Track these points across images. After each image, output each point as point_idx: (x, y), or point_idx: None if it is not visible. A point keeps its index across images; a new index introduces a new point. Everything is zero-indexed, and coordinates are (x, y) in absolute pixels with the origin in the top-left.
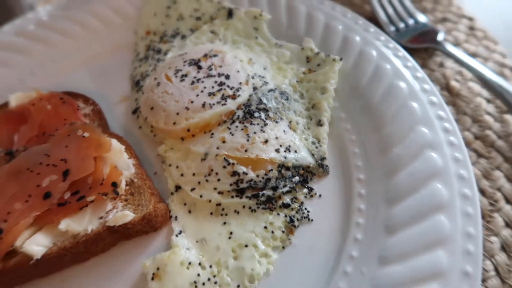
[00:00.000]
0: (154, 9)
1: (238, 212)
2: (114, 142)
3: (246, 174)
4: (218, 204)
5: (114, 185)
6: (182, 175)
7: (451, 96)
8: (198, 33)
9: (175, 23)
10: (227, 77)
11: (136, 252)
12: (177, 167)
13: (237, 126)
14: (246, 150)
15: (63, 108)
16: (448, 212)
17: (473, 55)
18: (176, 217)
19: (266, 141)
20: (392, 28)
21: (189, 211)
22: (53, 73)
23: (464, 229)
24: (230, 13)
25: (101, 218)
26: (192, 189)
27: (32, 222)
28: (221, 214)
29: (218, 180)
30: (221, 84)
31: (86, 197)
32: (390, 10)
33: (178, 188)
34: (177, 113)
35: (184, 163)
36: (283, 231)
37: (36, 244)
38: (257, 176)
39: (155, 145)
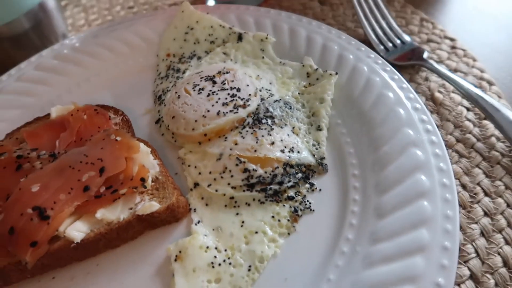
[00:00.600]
0: (174, 35)
1: (249, 204)
2: (142, 145)
3: (256, 170)
4: (231, 198)
5: (142, 180)
6: (199, 173)
7: (436, 105)
8: (212, 54)
9: (192, 46)
10: (238, 90)
11: (160, 239)
12: (195, 167)
13: (247, 131)
14: (255, 151)
15: (97, 118)
16: (429, 198)
17: (455, 70)
18: (195, 209)
19: (272, 143)
20: (382, 48)
21: (206, 204)
22: (86, 90)
23: (444, 212)
24: (240, 37)
25: (131, 209)
26: (209, 185)
27: (73, 211)
28: (234, 206)
29: (231, 176)
30: (233, 96)
31: (119, 191)
32: (379, 32)
33: (196, 185)
34: (196, 121)
35: (202, 163)
36: (288, 220)
37: (76, 230)
38: (265, 172)
39: (176, 149)
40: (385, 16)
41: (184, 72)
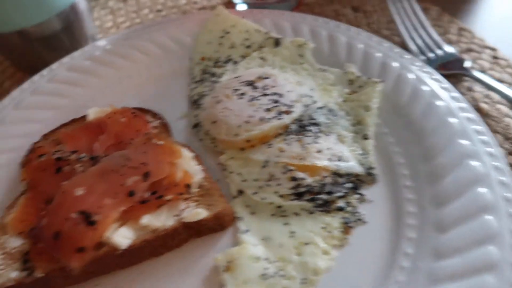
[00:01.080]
0: (209, 38)
1: (297, 214)
2: (185, 150)
3: (304, 179)
4: (279, 207)
5: (188, 186)
6: (244, 180)
7: (482, 116)
8: (248, 59)
9: (228, 50)
10: (281, 95)
11: (206, 248)
12: (238, 173)
13: (292, 138)
14: (302, 158)
15: (135, 121)
16: (494, 213)
17: (499, 80)
18: (240, 217)
19: (319, 151)
20: (422, 57)
21: (252, 213)
22: (120, 92)
23: (511, 227)
24: (277, 42)
25: (176, 215)
26: (255, 193)
27: (118, 216)
28: (282, 215)
29: (279, 184)
30: (276, 102)
31: (164, 197)
32: (418, 41)
33: (240, 192)
34: (238, 126)
35: (245, 170)
36: (340, 231)
37: (122, 236)
38: (314, 181)
39: (216, 155)
40: (423, 24)
41: (220, 77)
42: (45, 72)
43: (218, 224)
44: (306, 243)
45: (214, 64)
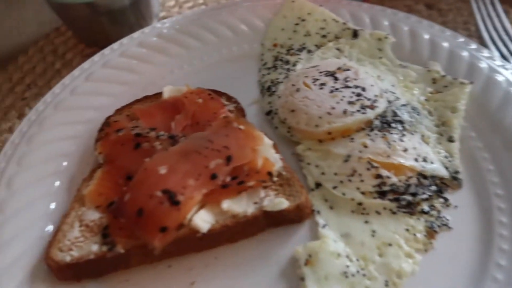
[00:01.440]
0: (283, 24)
1: (379, 213)
2: (265, 137)
3: (389, 178)
4: (360, 204)
5: (270, 174)
6: (323, 173)
7: None
8: (324, 49)
9: (302, 38)
10: (363, 89)
11: (284, 239)
12: (316, 166)
13: (376, 134)
14: (388, 156)
15: (211, 102)
16: None
17: None
18: (318, 211)
19: (405, 150)
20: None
21: (331, 207)
22: (189, 73)
23: None
24: (355, 34)
25: (255, 203)
26: (334, 187)
27: (200, 199)
28: (362, 213)
29: (361, 181)
30: (359, 95)
31: (246, 182)
32: (500, 45)
33: (318, 185)
34: (320, 117)
35: (324, 162)
36: (424, 235)
37: (203, 220)
38: (399, 181)
39: (291, 144)
40: (505, 26)
41: (294, 65)
42: (115, 46)
43: (298, 216)
44: (389, 244)
45: (287, 51)
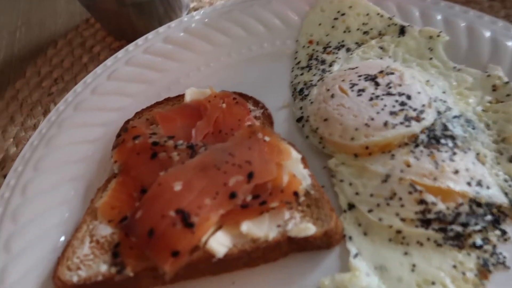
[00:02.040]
0: (320, 19)
1: (421, 244)
2: (292, 149)
3: (435, 204)
4: (399, 232)
5: (296, 194)
6: (357, 193)
7: None
8: (365, 47)
9: (341, 35)
10: (408, 97)
11: (308, 266)
12: (350, 184)
13: (421, 151)
14: (435, 178)
15: (236, 108)
16: None
17: None
18: (350, 237)
19: (456, 172)
20: None
21: (365, 233)
22: (216, 71)
23: None
24: (402, 30)
25: (278, 226)
26: (370, 211)
27: (216, 220)
28: (401, 243)
29: (402, 206)
30: (403, 104)
31: (268, 203)
32: None
33: (351, 206)
34: (356, 129)
35: (359, 181)
36: (475, 274)
37: (219, 243)
38: (447, 208)
39: (322, 157)
40: None
41: (331, 65)
42: (140, 41)
43: (325, 242)
44: (432, 283)
45: (323, 49)
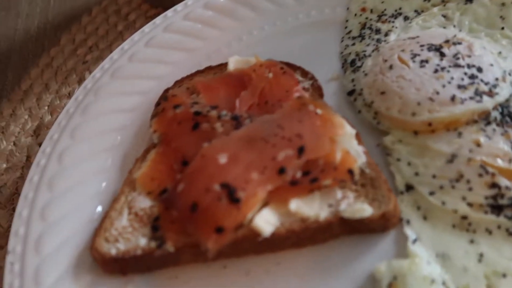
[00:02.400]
0: None
1: (490, 232)
2: (346, 124)
3: (509, 189)
4: (464, 217)
5: (351, 172)
6: (416, 174)
7: None
8: (426, 16)
9: (398, 2)
10: (479, 69)
11: (361, 251)
12: (408, 163)
13: (494, 129)
14: (510, 160)
15: (284, 78)
16: None
17: None
18: (408, 221)
19: None
20: None
21: (424, 218)
22: (259, 40)
23: None
24: None
25: (330, 206)
26: (431, 193)
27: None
28: (467, 230)
29: (470, 189)
30: (473, 77)
31: (320, 180)
32: None
33: (409, 188)
34: (418, 103)
35: (420, 160)
36: None
37: (265, 221)
38: None
39: (375, 133)
40: None
41: (386, 35)
42: (179, 7)
43: (381, 225)
44: (503, 275)
45: (377, 17)
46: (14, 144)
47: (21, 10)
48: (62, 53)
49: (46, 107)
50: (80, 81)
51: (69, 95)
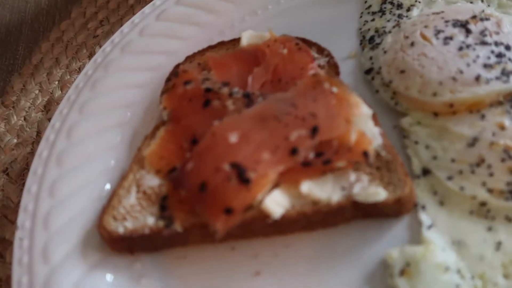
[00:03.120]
0: None
1: (510, 220)
2: (363, 104)
3: None
4: (483, 204)
5: (365, 154)
6: (434, 157)
7: None
8: None
9: None
10: (508, 47)
11: (373, 235)
12: (427, 146)
13: None
14: None
15: (298, 54)
16: None
17: None
18: (423, 206)
19: None
20: None
21: (441, 203)
22: (274, 15)
23: None
24: None
25: (343, 189)
26: (449, 178)
27: (275, 178)
28: (485, 217)
29: (490, 174)
30: (500, 55)
31: (333, 162)
32: None
33: (426, 172)
34: (440, 83)
35: (439, 143)
36: None
37: (276, 203)
38: None
39: (393, 114)
40: None
41: (409, 10)
42: None
43: (395, 210)
44: None
45: None
46: (25, 119)
47: None
48: (73, 26)
49: (57, 82)
50: (91, 55)
51: (79, 70)
